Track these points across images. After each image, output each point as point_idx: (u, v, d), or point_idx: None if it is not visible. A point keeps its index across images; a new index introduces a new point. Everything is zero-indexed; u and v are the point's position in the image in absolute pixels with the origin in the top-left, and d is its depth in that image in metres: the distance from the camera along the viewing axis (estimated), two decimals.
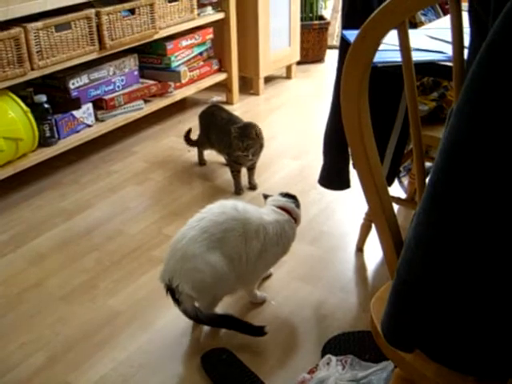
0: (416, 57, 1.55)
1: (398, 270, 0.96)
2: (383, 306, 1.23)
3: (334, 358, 1.75)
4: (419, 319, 0.95)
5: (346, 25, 2.03)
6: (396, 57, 1.48)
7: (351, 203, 2.71)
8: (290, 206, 2.07)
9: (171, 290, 1.87)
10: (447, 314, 0.91)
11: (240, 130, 2.76)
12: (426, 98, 2.15)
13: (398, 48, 1.61)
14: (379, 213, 1.11)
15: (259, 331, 1.92)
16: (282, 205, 2.07)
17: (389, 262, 1.20)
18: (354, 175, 2.31)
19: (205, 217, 1.93)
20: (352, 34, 1.73)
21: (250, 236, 1.93)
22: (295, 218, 2.07)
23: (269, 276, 2.25)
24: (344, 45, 1.99)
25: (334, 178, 2.34)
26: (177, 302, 1.87)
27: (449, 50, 1.56)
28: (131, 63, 3.46)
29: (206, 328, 2.02)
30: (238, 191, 2.90)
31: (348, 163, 2.27)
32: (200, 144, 3.19)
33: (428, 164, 2.74)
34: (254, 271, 2.01)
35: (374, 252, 2.41)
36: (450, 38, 1.70)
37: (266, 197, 2.17)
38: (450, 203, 0.83)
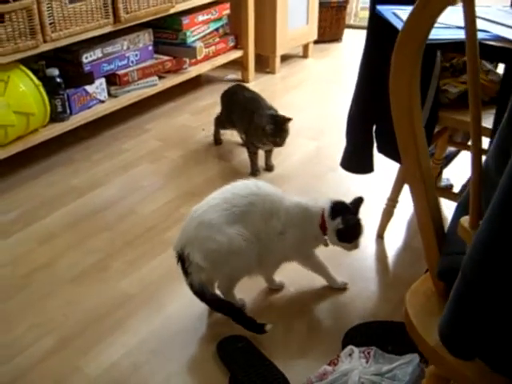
0: (457, 35, 1.46)
1: (463, 269, 0.88)
2: (419, 300, 1.16)
3: (356, 350, 1.67)
4: (486, 326, 0.87)
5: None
6: (442, 34, 1.40)
7: (370, 188, 2.63)
8: (327, 212, 1.91)
9: (182, 259, 1.80)
10: None
11: (274, 127, 2.67)
12: (456, 79, 2.07)
13: (442, 25, 1.53)
14: (425, 209, 1.03)
15: (259, 328, 1.83)
16: (324, 209, 1.93)
17: (427, 249, 1.12)
18: (377, 159, 2.22)
19: (228, 190, 1.89)
20: (387, 10, 1.63)
21: (270, 213, 1.86)
22: (323, 223, 1.91)
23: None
24: (375, 21, 1.88)
25: (357, 161, 2.25)
26: (185, 272, 1.81)
27: (493, 29, 1.47)
28: (146, 38, 3.37)
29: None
30: (254, 172, 2.82)
31: (372, 146, 2.18)
32: (219, 123, 3.10)
33: (451, 149, 2.66)
34: (275, 254, 1.93)
35: (395, 239, 2.34)
36: (493, 17, 1.62)
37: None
38: None
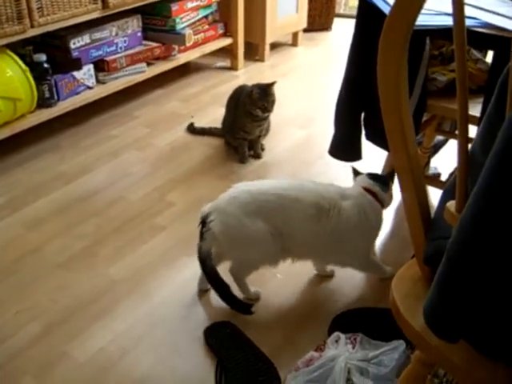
0: (446, 21, 1.46)
1: (448, 251, 0.89)
2: (405, 286, 1.17)
3: (342, 336, 1.68)
4: (470, 306, 0.87)
5: None
6: (431, 20, 1.40)
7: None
8: (376, 189, 1.92)
9: (203, 223, 1.82)
10: (505, 302, 0.83)
11: (260, 91, 2.70)
12: (445, 68, 2.07)
13: (431, 12, 1.53)
14: (412, 195, 1.04)
15: (246, 309, 1.87)
16: (368, 187, 1.93)
17: (413, 235, 1.12)
18: (365, 146, 2.22)
19: (270, 184, 1.91)
20: None
21: (317, 215, 1.82)
22: (381, 202, 1.93)
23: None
24: (364, 7, 1.88)
25: (345, 149, 2.25)
26: (201, 236, 1.83)
27: (483, 16, 1.48)
28: (134, 24, 3.35)
29: (210, 300, 1.96)
30: (242, 160, 2.82)
31: (360, 134, 2.18)
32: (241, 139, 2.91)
33: (439, 138, 2.67)
34: (320, 253, 1.94)
35: (383, 226, 2.33)
36: (483, 5, 1.62)
37: (356, 172, 2.04)
38: None
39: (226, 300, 1.87)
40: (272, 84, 2.74)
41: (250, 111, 2.73)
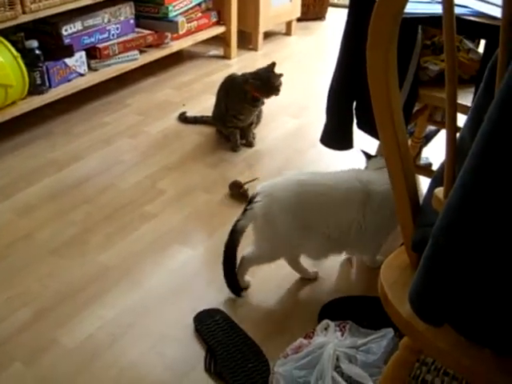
0: (435, 9, 1.46)
1: (434, 234, 0.89)
2: (393, 273, 1.17)
3: (332, 324, 1.69)
4: (455, 290, 0.88)
5: None
6: (422, 8, 1.40)
7: (350, 164, 2.63)
8: None
9: (251, 200, 1.83)
10: (490, 287, 0.84)
11: (275, 74, 2.74)
12: (437, 57, 2.07)
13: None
14: (401, 181, 1.04)
15: (238, 291, 1.90)
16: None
17: (402, 222, 1.12)
18: (356, 135, 2.22)
19: (326, 176, 1.89)
20: None
21: (362, 202, 1.83)
22: None
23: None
24: None
25: (337, 137, 2.25)
26: (244, 211, 1.83)
27: (474, 5, 1.48)
28: (127, 11, 3.34)
29: (199, 287, 1.96)
30: (234, 148, 2.81)
31: (352, 123, 2.18)
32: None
33: (431, 128, 2.67)
34: (366, 243, 1.94)
35: None
36: None
37: (368, 155, 2.07)
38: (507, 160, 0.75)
39: (226, 274, 1.87)
40: (273, 66, 2.74)
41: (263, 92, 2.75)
